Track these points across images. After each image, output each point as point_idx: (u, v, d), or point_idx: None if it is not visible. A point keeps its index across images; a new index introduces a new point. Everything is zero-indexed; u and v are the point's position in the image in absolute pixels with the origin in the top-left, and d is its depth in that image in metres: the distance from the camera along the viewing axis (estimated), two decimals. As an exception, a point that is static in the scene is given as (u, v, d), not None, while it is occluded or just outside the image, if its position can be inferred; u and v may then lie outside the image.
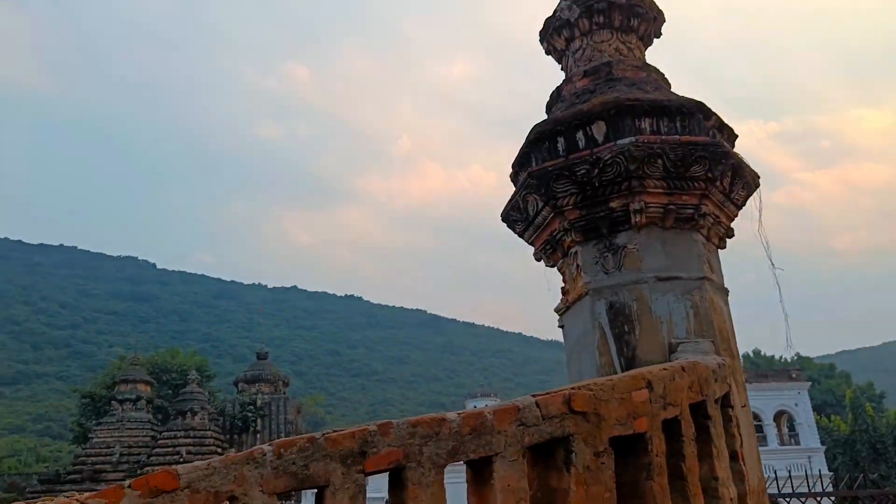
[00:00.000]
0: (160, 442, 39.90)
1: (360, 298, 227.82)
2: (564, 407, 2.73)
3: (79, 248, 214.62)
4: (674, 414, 3.08)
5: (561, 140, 5.39)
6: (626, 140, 5.07)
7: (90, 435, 42.04)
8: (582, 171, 5.13)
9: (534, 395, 2.74)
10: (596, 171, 5.09)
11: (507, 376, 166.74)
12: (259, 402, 45.03)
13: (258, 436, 43.82)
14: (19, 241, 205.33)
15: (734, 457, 3.67)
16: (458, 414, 2.63)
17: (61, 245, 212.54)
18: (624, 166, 5.01)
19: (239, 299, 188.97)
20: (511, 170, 6.04)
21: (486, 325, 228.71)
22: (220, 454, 40.49)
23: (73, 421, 58.53)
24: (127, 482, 2.32)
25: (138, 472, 38.64)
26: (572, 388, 2.78)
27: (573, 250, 5.38)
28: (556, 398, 2.72)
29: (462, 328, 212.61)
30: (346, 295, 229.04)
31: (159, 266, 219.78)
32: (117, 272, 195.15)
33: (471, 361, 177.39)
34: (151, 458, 39.07)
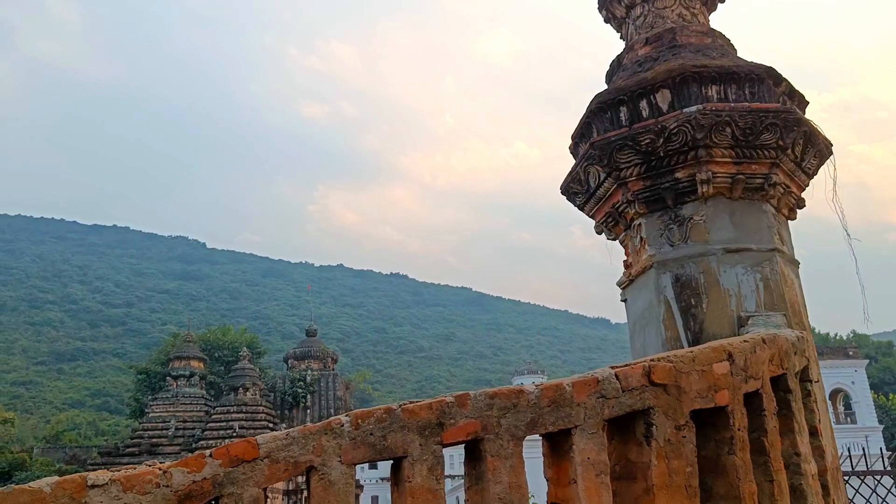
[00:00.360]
0: (214, 417, 40.84)
1: (406, 276, 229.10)
2: (644, 379, 2.65)
3: (131, 228, 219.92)
4: (755, 387, 2.98)
5: (624, 109, 5.25)
6: (693, 108, 4.91)
7: (146, 410, 43.25)
8: (646, 141, 4.99)
9: (612, 367, 2.67)
10: (661, 140, 4.95)
11: (553, 354, 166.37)
12: (309, 379, 45.71)
13: (308, 411, 44.54)
14: (75, 222, 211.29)
15: (814, 432, 3.55)
16: (537, 385, 2.58)
17: (115, 226, 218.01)
18: (690, 135, 4.86)
19: (286, 278, 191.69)
20: (570, 141, 5.92)
21: (532, 302, 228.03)
22: (272, 429, 41.29)
23: (129, 396, 60.35)
24: (208, 451, 2.32)
25: (193, 445, 39.69)
26: (651, 360, 2.69)
27: (636, 222, 5.26)
28: (635, 370, 2.64)
29: (508, 305, 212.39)
30: (391, 273, 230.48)
31: (209, 246, 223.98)
32: (168, 252, 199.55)
33: (516, 339, 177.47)
34: (205, 433, 40.07)
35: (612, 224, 5.56)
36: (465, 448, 2.58)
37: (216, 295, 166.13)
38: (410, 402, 2.48)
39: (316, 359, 47.37)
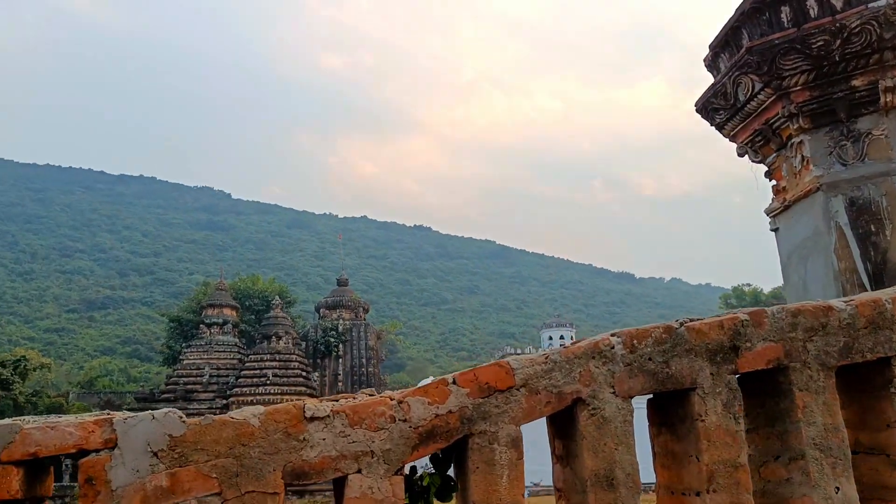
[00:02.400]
0: (247, 364, 40.96)
1: (429, 229, 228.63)
2: (970, 297, 2.06)
3: (158, 178, 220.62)
4: None
5: (786, 9, 4.58)
6: (882, 2, 4.23)
7: (181, 357, 43.48)
8: (819, 43, 4.34)
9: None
10: (837, 42, 4.29)
11: (577, 308, 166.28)
12: (341, 328, 45.63)
13: (340, 361, 44.60)
14: (102, 172, 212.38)
15: None
16: (847, 302, 2.01)
17: (141, 176, 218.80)
18: (876, 34, 4.20)
19: (311, 229, 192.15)
20: (708, 52, 5.27)
21: (556, 256, 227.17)
22: (305, 378, 41.39)
23: (161, 344, 60.86)
24: (450, 377, 1.79)
25: (227, 392, 39.96)
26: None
27: (796, 140, 4.64)
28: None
29: (531, 259, 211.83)
30: (415, 225, 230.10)
31: (234, 196, 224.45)
32: (194, 202, 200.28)
33: (540, 292, 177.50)
34: (240, 380, 40.25)
35: (760, 144, 4.94)
36: (744, 378, 2.03)
37: (242, 245, 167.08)
38: (691, 319, 1.93)
39: (347, 308, 47.21)
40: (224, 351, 42.73)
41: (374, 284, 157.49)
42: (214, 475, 1.61)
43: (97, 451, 1.61)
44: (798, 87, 4.46)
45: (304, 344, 45.36)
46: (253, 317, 52.41)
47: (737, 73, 4.71)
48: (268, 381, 39.74)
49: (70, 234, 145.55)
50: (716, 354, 1.88)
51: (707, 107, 5.15)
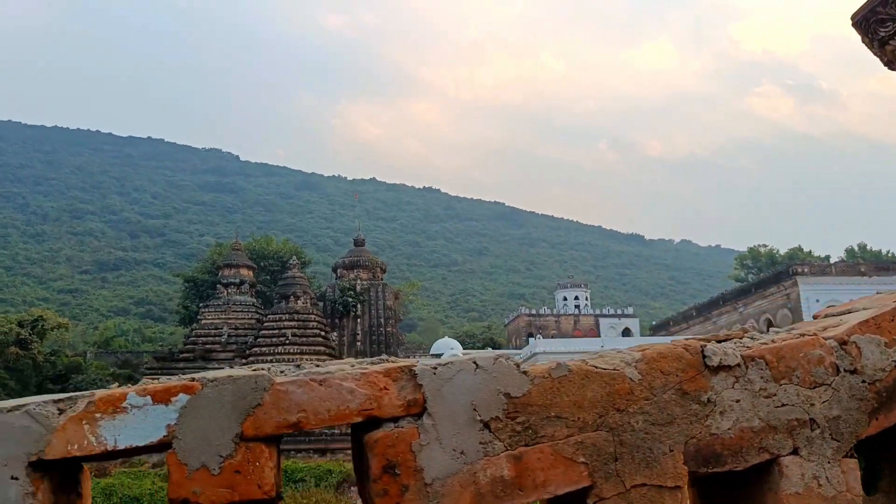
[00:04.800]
0: (266, 324, 40.70)
1: (438, 191, 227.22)
2: None
3: (165, 140, 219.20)
4: None
5: None
6: None
7: (198, 317, 43.27)
8: None
9: None
10: None
11: (586, 269, 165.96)
12: (359, 288, 45.23)
13: (359, 321, 44.27)
14: (110, 134, 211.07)
15: None
16: None
17: (149, 137, 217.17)
18: None
19: (320, 191, 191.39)
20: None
21: (565, 217, 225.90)
22: (324, 338, 41.11)
23: (177, 304, 60.71)
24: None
25: (246, 352, 39.76)
26: None
27: None
28: None
29: (541, 221, 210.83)
30: (424, 187, 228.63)
31: (242, 158, 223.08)
32: (202, 164, 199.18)
33: (550, 254, 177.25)
34: (258, 340, 40.03)
35: (937, 60, 4.24)
36: None
37: (251, 207, 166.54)
38: None
39: (365, 268, 46.77)
40: (242, 311, 42.49)
41: (384, 246, 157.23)
42: (582, 458, 0.99)
43: (394, 419, 0.99)
44: None
45: (321, 304, 45.05)
46: (268, 277, 52.10)
47: (920, -28, 4.00)
48: (287, 341, 39.50)
49: (80, 196, 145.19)
50: None
51: (869, 18, 4.43)
